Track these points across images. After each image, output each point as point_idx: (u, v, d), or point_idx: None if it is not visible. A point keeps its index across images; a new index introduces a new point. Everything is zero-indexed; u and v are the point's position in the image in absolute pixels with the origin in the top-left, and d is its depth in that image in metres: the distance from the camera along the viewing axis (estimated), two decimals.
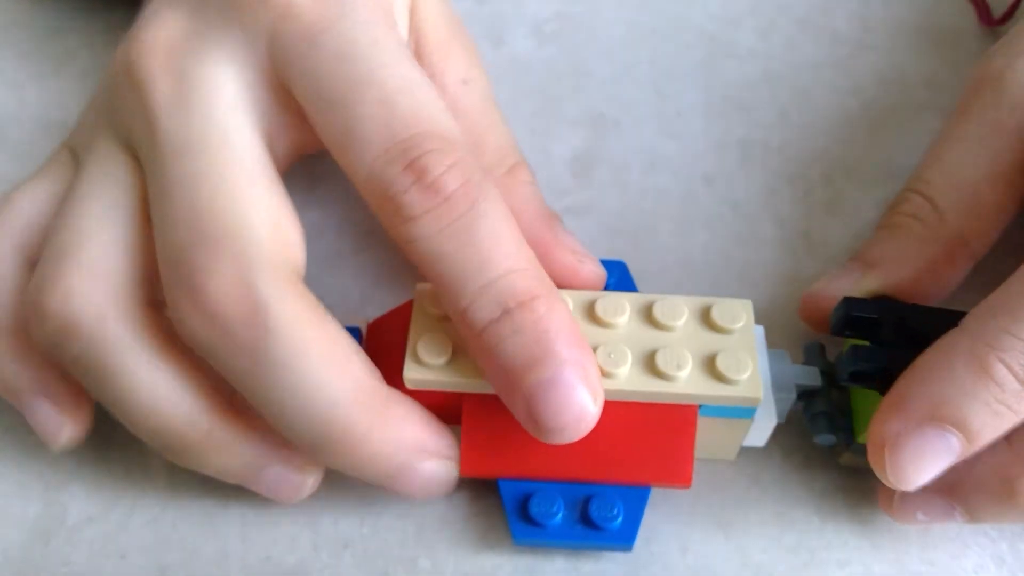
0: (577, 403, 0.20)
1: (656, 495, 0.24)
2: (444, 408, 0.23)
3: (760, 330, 0.24)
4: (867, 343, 0.23)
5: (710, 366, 0.22)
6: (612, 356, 0.22)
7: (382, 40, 0.22)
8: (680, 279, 0.28)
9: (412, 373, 0.23)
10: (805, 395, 0.24)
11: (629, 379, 0.22)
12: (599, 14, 0.34)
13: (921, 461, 0.20)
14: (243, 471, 0.23)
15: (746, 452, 0.25)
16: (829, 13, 0.35)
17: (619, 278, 0.26)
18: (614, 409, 0.22)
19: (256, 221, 0.21)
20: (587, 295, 0.24)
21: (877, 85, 0.32)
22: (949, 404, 0.20)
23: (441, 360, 0.22)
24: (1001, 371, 0.19)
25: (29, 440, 0.26)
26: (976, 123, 0.25)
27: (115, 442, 0.26)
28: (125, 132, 0.23)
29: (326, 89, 0.22)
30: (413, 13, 0.26)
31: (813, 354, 0.25)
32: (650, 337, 0.23)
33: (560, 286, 0.23)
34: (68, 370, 0.22)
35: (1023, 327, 0.20)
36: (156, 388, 0.22)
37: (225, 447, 0.22)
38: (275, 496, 0.23)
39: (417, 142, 0.21)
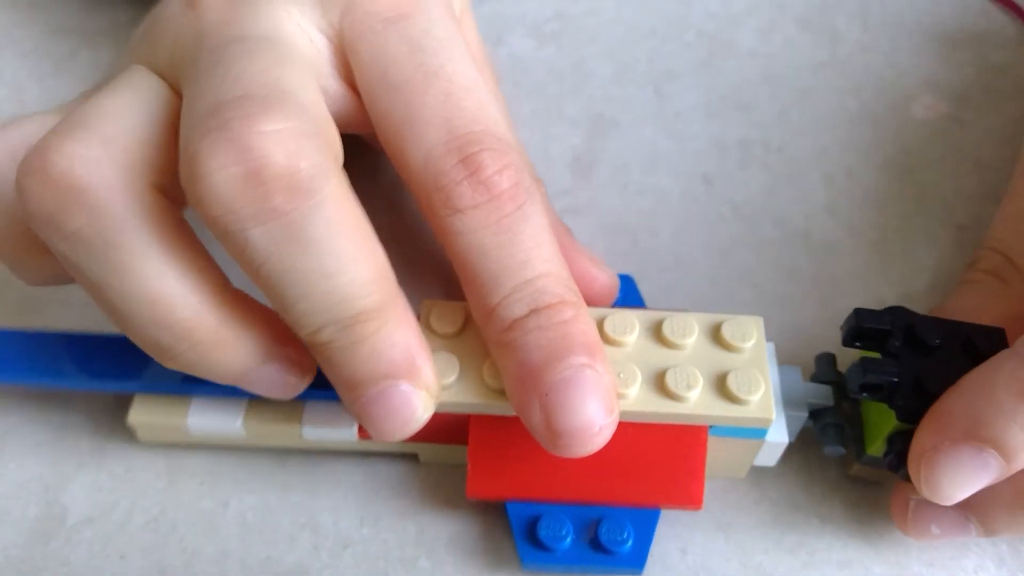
0: (591, 407, 0.20)
1: None
2: (449, 430, 0.23)
3: (771, 347, 0.24)
4: (877, 354, 0.23)
5: (721, 386, 0.22)
6: (622, 376, 0.22)
7: (454, 38, 0.23)
8: (680, 279, 0.28)
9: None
10: (819, 409, 0.24)
11: (639, 399, 0.22)
12: (599, 14, 0.34)
13: (956, 477, 0.20)
14: (241, 370, 0.22)
15: None
16: (829, 13, 0.35)
17: (626, 292, 0.26)
18: (624, 430, 0.22)
19: (312, 98, 0.21)
20: (596, 312, 0.23)
21: (877, 85, 0.32)
22: (988, 424, 0.20)
23: (448, 380, 0.22)
24: None
25: (29, 440, 0.26)
26: None
27: (115, 442, 0.26)
28: (166, 56, 0.22)
29: (393, 73, 0.22)
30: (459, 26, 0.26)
31: (824, 365, 0.24)
32: (660, 356, 0.23)
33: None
34: (60, 252, 0.20)
35: None
36: (164, 275, 0.20)
37: (230, 345, 0.21)
38: (268, 393, 0.22)
39: (477, 138, 0.21)
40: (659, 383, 0.22)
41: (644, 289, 0.27)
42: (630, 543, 0.22)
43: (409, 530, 0.24)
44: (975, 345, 0.22)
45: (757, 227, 0.29)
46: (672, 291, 0.28)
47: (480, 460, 0.23)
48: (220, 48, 0.21)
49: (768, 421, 0.22)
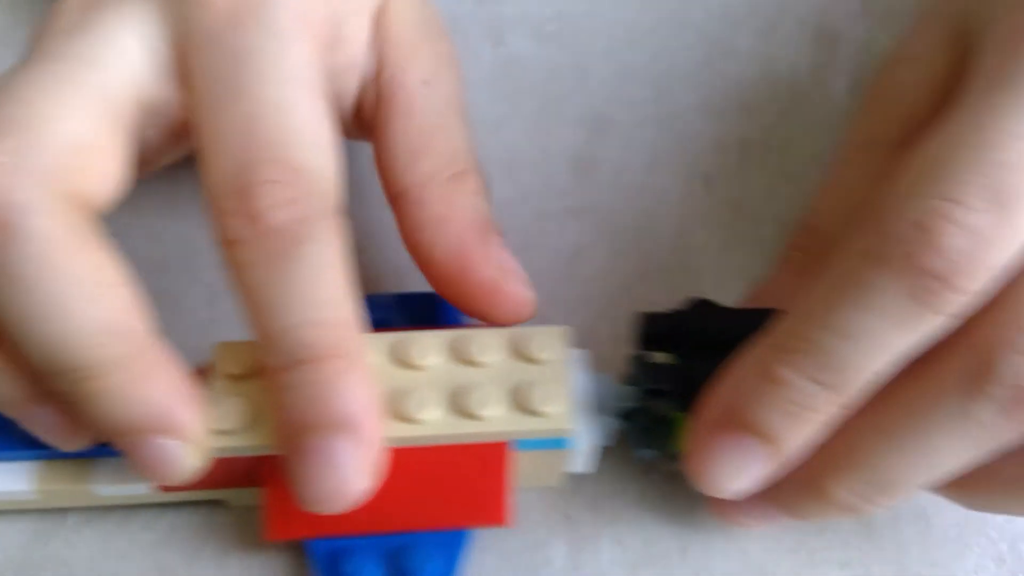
0: (333, 481, 0.20)
1: (659, 498, 0.24)
2: (250, 472, 0.23)
3: (584, 354, 0.24)
4: (672, 356, 0.23)
5: (520, 400, 0.22)
6: (418, 402, 0.22)
7: (284, 54, 0.22)
8: (680, 279, 0.28)
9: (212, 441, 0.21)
10: (630, 411, 0.24)
11: (436, 423, 0.22)
12: (599, 14, 0.34)
13: (724, 468, 0.20)
14: (141, 422, 0.20)
15: None
16: (829, 13, 0.35)
17: (445, 309, 0.25)
18: (423, 454, 0.22)
19: (73, 127, 0.20)
20: (396, 337, 0.23)
21: None
22: (741, 410, 0.20)
23: (231, 425, 0.21)
24: (786, 372, 0.19)
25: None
26: (857, 142, 0.25)
27: None
28: None
29: (209, 87, 0.21)
30: (383, 15, 0.25)
31: (635, 367, 0.24)
32: (460, 376, 0.22)
33: (481, 305, 0.23)
34: None
35: (811, 328, 0.19)
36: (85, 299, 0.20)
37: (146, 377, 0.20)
38: (148, 471, 0.21)
39: (260, 168, 0.20)
40: (456, 404, 0.22)
41: (644, 288, 0.27)
42: (437, 569, 0.22)
43: None
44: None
45: (757, 227, 0.29)
46: (672, 291, 0.28)
47: (277, 500, 0.22)
48: (22, 67, 0.21)
49: (567, 431, 0.22)
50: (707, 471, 0.20)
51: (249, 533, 0.24)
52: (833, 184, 0.25)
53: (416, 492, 0.22)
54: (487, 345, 0.23)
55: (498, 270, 0.23)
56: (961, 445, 0.19)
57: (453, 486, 0.22)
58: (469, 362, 0.23)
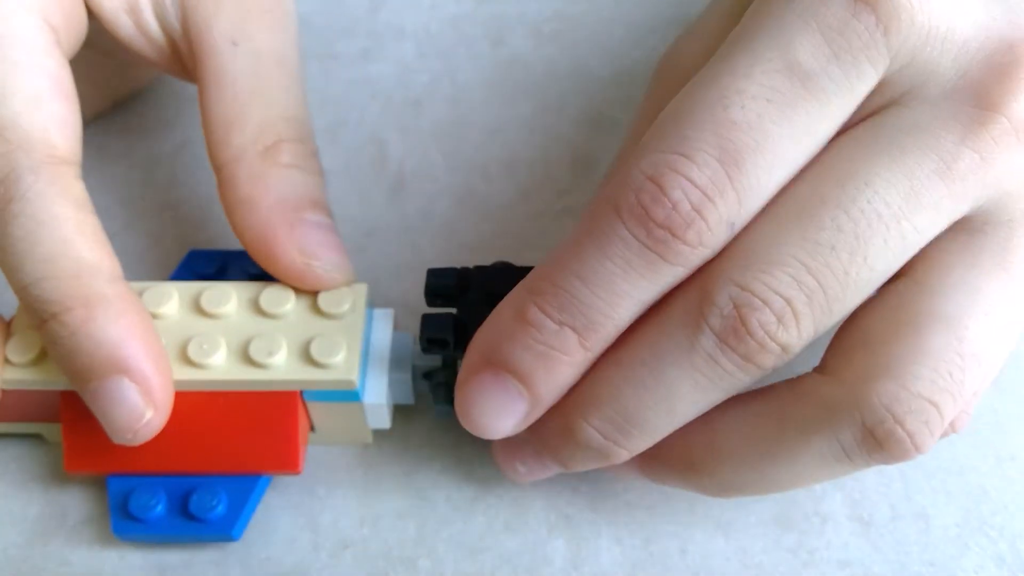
0: (125, 413, 0.21)
1: (659, 498, 0.24)
2: (51, 406, 0.23)
3: (387, 312, 0.25)
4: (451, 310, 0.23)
5: (306, 352, 0.23)
6: (205, 347, 0.23)
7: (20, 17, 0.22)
8: None
9: (4, 373, 0.23)
10: (431, 370, 0.24)
11: (220, 368, 0.23)
12: (599, 14, 0.34)
13: (486, 407, 0.20)
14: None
15: None
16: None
17: None
18: (215, 400, 0.23)
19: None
20: (200, 286, 0.24)
21: None
22: (497, 349, 0.20)
23: (28, 357, 0.23)
24: (536, 314, 0.19)
25: (29, 440, 0.26)
26: (649, 106, 0.25)
27: None
28: None
29: None
30: None
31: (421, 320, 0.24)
32: (253, 326, 0.23)
33: (290, 283, 0.24)
34: None
35: (559, 273, 0.19)
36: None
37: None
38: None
39: None
40: (243, 352, 0.23)
41: None
42: (221, 510, 0.23)
43: (409, 530, 0.24)
44: None
45: None
46: None
47: (75, 435, 0.23)
48: None
49: (350, 383, 0.23)
50: (471, 410, 0.20)
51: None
52: (631, 134, 0.25)
53: (208, 436, 0.23)
54: (281, 298, 0.24)
55: (300, 254, 0.24)
56: (692, 381, 0.19)
57: (245, 432, 0.23)
58: (264, 313, 0.24)
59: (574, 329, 0.19)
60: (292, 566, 0.24)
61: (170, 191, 0.30)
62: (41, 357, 0.23)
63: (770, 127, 0.19)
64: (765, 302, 0.18)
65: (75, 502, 0.25)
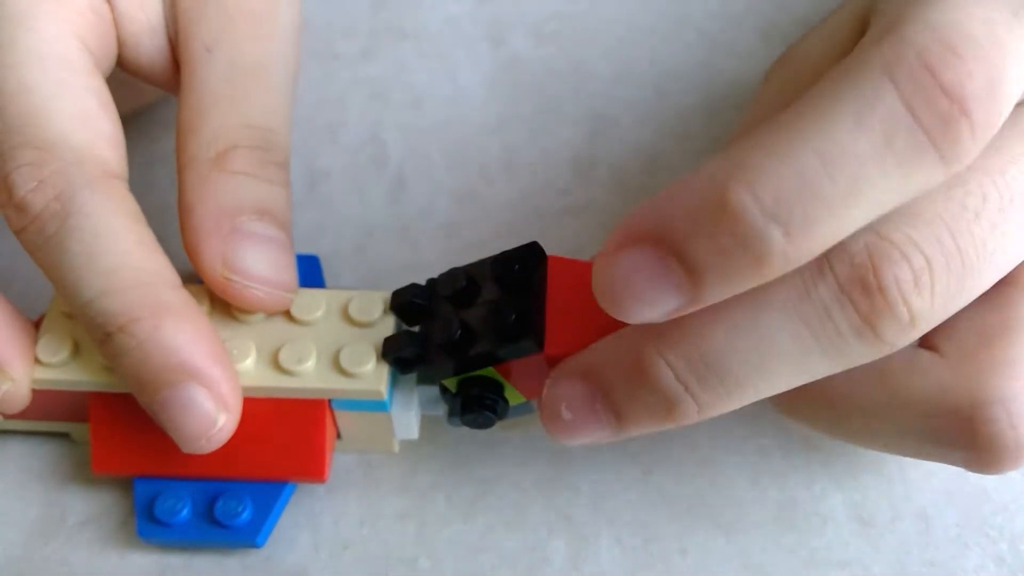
0: (197, 420, 0.21)
1: (659, 498, 0.24)
2: (80, 406, 0.23)
3: None
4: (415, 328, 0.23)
5: (335, 360, 0.23)
6: (235, 352, 0.22)
7: (18, 37, 0.22)
8: None
9: (34, 373, 0.23)
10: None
11: (250, 374, 0.23)
12: (599, 14, 0.34)
13: (634, 284, 0.17)
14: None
15: (752, 451, 0.25)
16: (828, 13, 0.34)
17: (306, 274, 0.25)
18: (244, 405, 0.22)
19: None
20: None
21: None
22: (673, 226, 0.16)
23: (59, 357, 0.23)
24: (742, 198, 0.15)
25: (29, 440, 0.26)
26: (767, 98, 0.23)
27: None
28: None
29: None
30: None
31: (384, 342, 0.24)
32: (283, 332, 0.23)
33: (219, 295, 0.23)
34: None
35: (789, 146, 0.15)
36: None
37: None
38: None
39: (12, 155, 0.21)
40: (274, 358, 0.23)
41: None
42: (246, 516, 0.23)
43: (409, 530, 0.24)
44: (508, 270, 0.22)
45: None
46: None
47: (103, 436, 0.23)
48: None
49: (379, 394, 0.22)
50: (615, 285, 0.17)
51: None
52: (744, 129, 0.23)
53: (236, 441, 0.22)
54: (311, 304, 0.23)
55: (223, 266, 0.22)
56: (794, 335, 0.17)
57: (272, 438, 0.23)
58: (294, 319, 0.23)
59: (787, 228, 0.15)
60: (292, 566, 0.24)
61: (170, 191, 0.30)
62: (72, 357, 0.23)
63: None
64: (904, 256, 0.16)
65: (75, 502, 0.25)
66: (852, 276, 0.16)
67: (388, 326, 0.23)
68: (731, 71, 0.33)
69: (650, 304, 0.17)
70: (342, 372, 0.22)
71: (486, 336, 0.21)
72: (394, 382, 0.23)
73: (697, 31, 0.34)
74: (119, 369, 0.21)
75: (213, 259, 0.22)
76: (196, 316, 0.22)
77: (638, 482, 0.25)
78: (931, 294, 0.16)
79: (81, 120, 0.22)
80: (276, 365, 0.23)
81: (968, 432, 0.18)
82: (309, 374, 0.23)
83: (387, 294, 0.24)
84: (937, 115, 0.15)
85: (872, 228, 0.16)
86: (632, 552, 0.24)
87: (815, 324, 0.17)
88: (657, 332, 0.18)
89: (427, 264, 0.28)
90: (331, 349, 0.23)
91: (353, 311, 0.23)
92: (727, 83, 0.33)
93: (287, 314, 0.23)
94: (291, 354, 0.23)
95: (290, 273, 0.23)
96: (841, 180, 0.15)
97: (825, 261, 0.16)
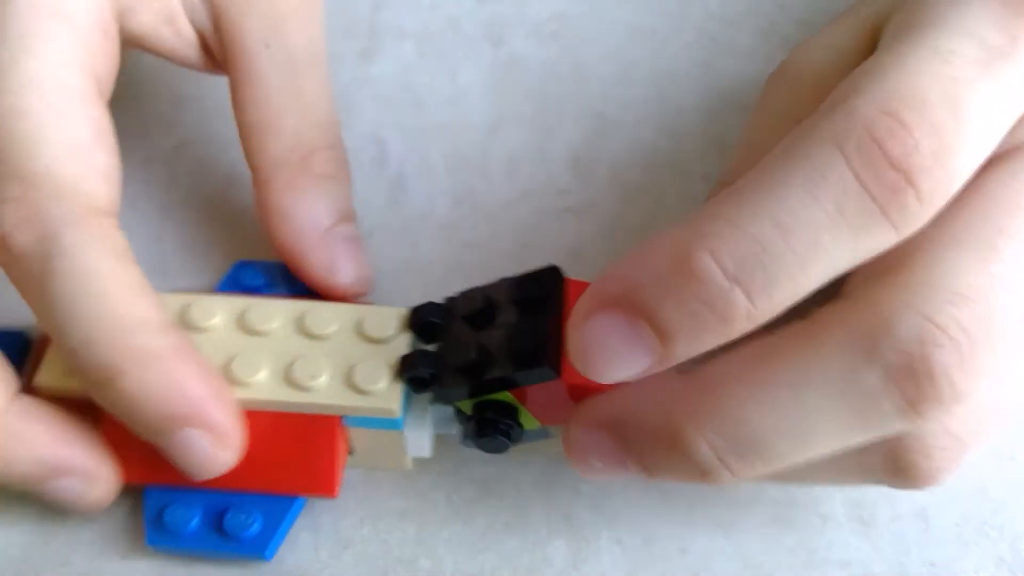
0: (196, 460, 0.21)
1: (659, 498, 0.24)
2: (83, 412, 0.23)
3: None
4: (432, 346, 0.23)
5: (349, 377, 0.22)
6: (248, 366, 0.22)
7: (17, 61, 0.21)
8: None
9: (45, 378, 0.23)
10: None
11: (263, 388, 0.22)
12: (599, 14, 0.34)
13: (607, 349, 0.17)
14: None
15: None
16: (829, 13, 0.34)
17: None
18: (255, 418, 0.22)
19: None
20: (242, 302, 0.24)
21: None
22: (641, 295, 0.17)
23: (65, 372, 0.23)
24: (706, 262, 0.16)
25: None
26: (767, 114, 0.23)
27: None
28: None
29: None
30: None
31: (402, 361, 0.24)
32: (297, 346, 0.23)
33: (317, 289, 0.25)
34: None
35: (749, 215, 0.16)
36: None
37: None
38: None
39: (1, 187, 0.21)
40: (287, 373, 0.23)
41: None
42: (255, 528, 0.23)
43: (409, 530, 0.24)
44: (527, 293, 0.22)
45: None
46: None
47: (114, 446, 0.23)
48: None
49: (392, 412, 0.22)
50: (588, 350, 0.18)
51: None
52: (745, 144, 0.23)
53: (248, 455, 0.22)
54: (326, 319, 0.23)
55: (327, 271, 0.25)
56: (838, 414, 0.17)
57: (284, 452, 0.23)
58: (308, 334, 0.23)
59: (748, 291, 0.16)
60: (292, 566, 0.24)
61: (170, 191, 0.30)
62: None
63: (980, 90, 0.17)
64: (953, 341, 0.16)
65: None
66: (901, 364, 0.17)
67: (403, 343, 0.23)
68: (731, 71, 0.33)
69: (624, 367, 0.18)
70: (355, 389, 0.22)
71: (502, 360, 0.21)
72: (408, 400, 0.23)
73: (697, 31, 0.34)
74: (113, 411, 0.21)
75: (320, 268, 0.24)
76: (186, 359, 0.21)
77: (638, 482, 0.24)
78: (976, 374, 0.17)
79: (73, 151, 0.22)
80: (289, 380, 0.22)
81: (891, 463, 0.19)
82: (322, 390, 0.22)
83: (403, 310, 0.24)
84: (885, 185, 0.16)
85: (919, 311, 0.17)
86: (632, 552, 0.24)
87: (860, 407, 0.17)
88: (693, 406, 0.18)
89: (427, 264, 0.28)
90: (345, 365, 0.23)
91: (368, 327, 0.23)
92: (727, 83, 0.33)
93: (302, 328, 0.23)
94: (304, 369, 0.22)
95: (367, 264, 0.25)
96: (797, 246, 0.16)
97: (874, 346, 0.17)
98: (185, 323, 0.24)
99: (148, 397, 0.20)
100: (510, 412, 0.22)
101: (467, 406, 0.22)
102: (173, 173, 0.31)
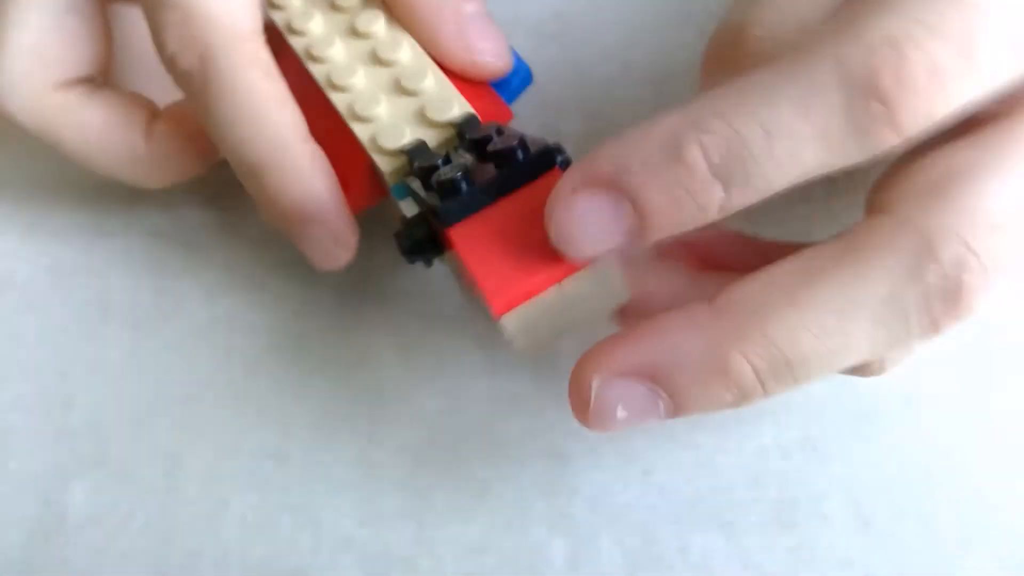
0: (319, 254, 0.24)
1: (659, 498, 0.24)
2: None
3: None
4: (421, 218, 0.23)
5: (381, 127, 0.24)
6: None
7: None
8: None
9: None
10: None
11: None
12: (599, 14, 0.34)
13: (587, 225, 0.19)
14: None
15: (752, 451, 0.25)
16: None
17: (523, 78, 0.27)
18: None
19: None
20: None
21: None
22: (629, 176, 0.18)
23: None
24: (695, 154, 0.18)
25: (29, 440, 0.26)
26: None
27: (115, 442, 0.26)
28: None
29: None
30: None
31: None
32: (376, 77, 0.25)
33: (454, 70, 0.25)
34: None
35: (742, 116, 0.17)
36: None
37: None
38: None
39: (163, 13, 0.23)
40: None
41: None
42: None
43: (409, 529, 0.24)
44: (511, 155, 0.21)
45: (757, 227, 0.29)
46: None
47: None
48: None
49: (387, 175, 0.23)
50: (571, 224, 0.19)
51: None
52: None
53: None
54: (417, 75, 0.24)
55: (466, 53, 0.25)
56: (875, 332, 0.18)
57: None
58: (385, 63, 0.25)
59: (727, 185, 0.18)
60: (292, 566, 0.24)
61: (170, 191, 0.30)
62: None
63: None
64: (985, 268, 0.17)
65: (75, 502, 0.25)
66: (941, 287, 0.17)
67: (444, 131, 0.23)
68: None
69: (598, 244, 0.19)
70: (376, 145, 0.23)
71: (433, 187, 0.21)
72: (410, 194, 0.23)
73: (697, 31, 0.34)
74: (255, 200, 0.24)
75: (457, 47, 0.25)
76: (318, 167, 0.24)
77: (638, 482, 0.25)
78: (995, 298, 0.18)
79: None
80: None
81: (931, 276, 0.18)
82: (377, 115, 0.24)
83: (470, 114, 0.24)
84: (869, 115, 0.17)
85: (962, 237, 0.17)
86: (632, 552, 0.24)
87: (895, 325, 0.18)
88: (740, 332, 0.18)
89: (431, 273, 0.28)
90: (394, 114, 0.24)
91: (431, 110, 0.24)
92: None
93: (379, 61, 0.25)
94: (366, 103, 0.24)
95: (501, 35, 0.26)
96: (779, 154, 0.17)
97: (919, 269, 0.17)
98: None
99: (284, 194, 0.23)
100: (433, 237, 0.22)
101: (413, 209, 0.23)
102: None
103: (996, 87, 0.18)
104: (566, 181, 0.19)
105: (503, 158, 0.21)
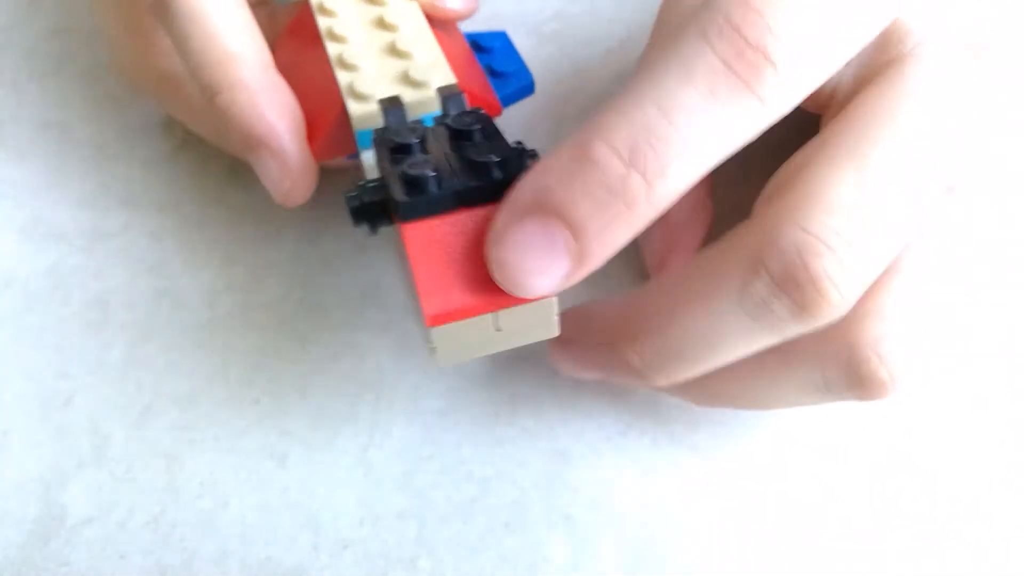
0: (268, 181, 0.24)
1: (659, 498, 0.24)
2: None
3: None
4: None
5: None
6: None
7: None
8: None
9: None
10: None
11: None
12: (599, 14, 0.34)
13: (525, 262, 0.18)
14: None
15: (752, 451, 0.25)
16: None
17: (503, 47, 0.28)
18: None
19: None
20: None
21: None
22: (549, 192, 0.18)
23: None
24: (602, 151, 0.18)
25: (29, 440, 0.26)
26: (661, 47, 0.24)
27: (115, 442, 0.26)
28: None
29: None
30: None
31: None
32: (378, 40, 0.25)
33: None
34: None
35: (633, 104, 0.18)
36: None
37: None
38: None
39: None
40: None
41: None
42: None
43: (409, 529, 0.24)
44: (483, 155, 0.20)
45: None
46: None
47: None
48: None
49: (355, 122, 0.23)
50: (508, 264, 0.19)
51: None
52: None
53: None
54: (413, 41, 0.25)
55: None
56: (739, 322, 0.19)
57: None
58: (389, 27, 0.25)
59: (643, 173, 0.18)
60: (292, 566, 0.24)
61: (170, 191, 0.30)
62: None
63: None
64: (829, 246, 0.18)
65: (75, 502, 0.25)
66: (785, 273, 0.18)
67: (425, 97, 0.23)
68: None
69: (544, 275, 0.19)
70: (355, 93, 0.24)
71: (397, 176, 0.20)
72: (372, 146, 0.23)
73: None
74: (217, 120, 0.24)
75: None
76: (272, 91, 0.24)
77: (638, 482, 0.25)
78: (857, 273, 0.18)
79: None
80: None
81: (851, 376, 0.20)
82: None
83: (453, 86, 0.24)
84: (745, 62, 0.18)
85: (796, 223, 0.18)
86: (632, 552, 0.24)
87: (756, 314, 0.19)
88: (625, 325, 0.21)
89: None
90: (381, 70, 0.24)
91: (417, 72, 0.24)
92: None
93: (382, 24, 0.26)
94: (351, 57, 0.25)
95: None
96: (680, 125, 0.18)
97: (760, 259, 0.18)
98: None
99: (235, 117, 0.24)
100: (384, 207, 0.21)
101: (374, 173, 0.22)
102: (174, 173, 0.31)
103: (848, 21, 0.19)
104: (495, 224, 0.19)
105: (479, 169, 0.20)
